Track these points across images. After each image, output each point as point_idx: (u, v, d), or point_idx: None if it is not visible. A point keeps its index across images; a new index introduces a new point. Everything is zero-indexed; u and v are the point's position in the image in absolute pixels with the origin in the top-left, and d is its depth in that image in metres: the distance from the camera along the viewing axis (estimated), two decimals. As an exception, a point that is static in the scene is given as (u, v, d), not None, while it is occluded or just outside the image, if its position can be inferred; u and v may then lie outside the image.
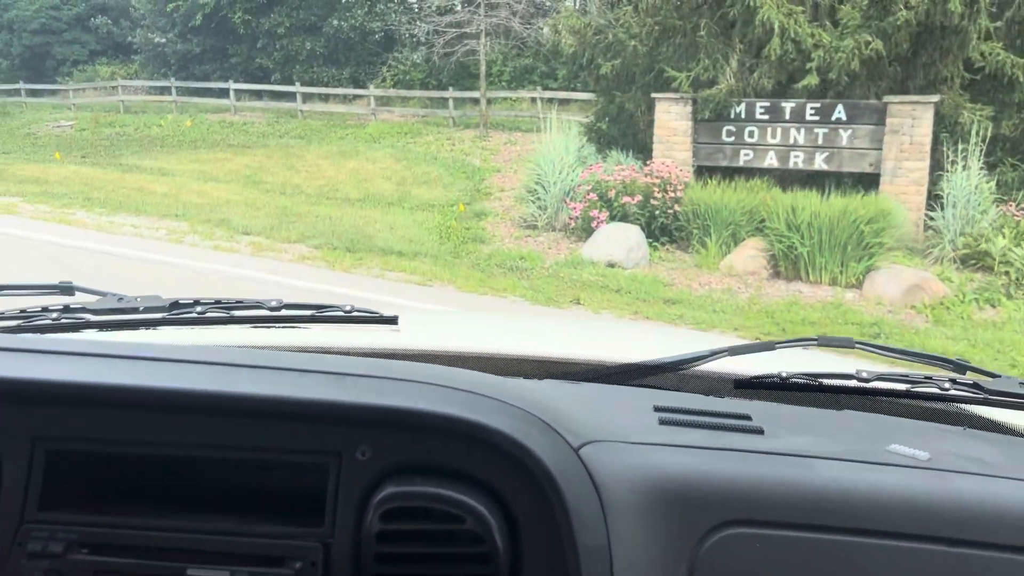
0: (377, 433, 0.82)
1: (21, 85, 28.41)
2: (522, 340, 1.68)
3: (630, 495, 0.81)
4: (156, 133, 20.49)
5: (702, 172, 10.46)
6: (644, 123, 11.50)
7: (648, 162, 10.50)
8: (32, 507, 0.83)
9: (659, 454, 0.86)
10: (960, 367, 1.24)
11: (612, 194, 9.87)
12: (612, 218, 9.71)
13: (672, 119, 10.75)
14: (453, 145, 17.45)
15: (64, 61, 34.45)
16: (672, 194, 9.69)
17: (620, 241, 9.04)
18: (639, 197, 9.70)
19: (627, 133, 12.10)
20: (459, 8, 17.94)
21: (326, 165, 15.71)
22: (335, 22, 24.31)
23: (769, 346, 1.26)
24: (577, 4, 20.20)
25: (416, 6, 22.77)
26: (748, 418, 0.97)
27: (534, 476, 0.79)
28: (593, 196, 9.93)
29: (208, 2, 25.24)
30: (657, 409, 0.99)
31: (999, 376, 1.18)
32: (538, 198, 10.74)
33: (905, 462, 0.88)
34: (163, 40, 27.88)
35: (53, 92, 28.61)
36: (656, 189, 9.73)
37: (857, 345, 1.27)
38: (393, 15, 24.54)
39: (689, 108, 10.62)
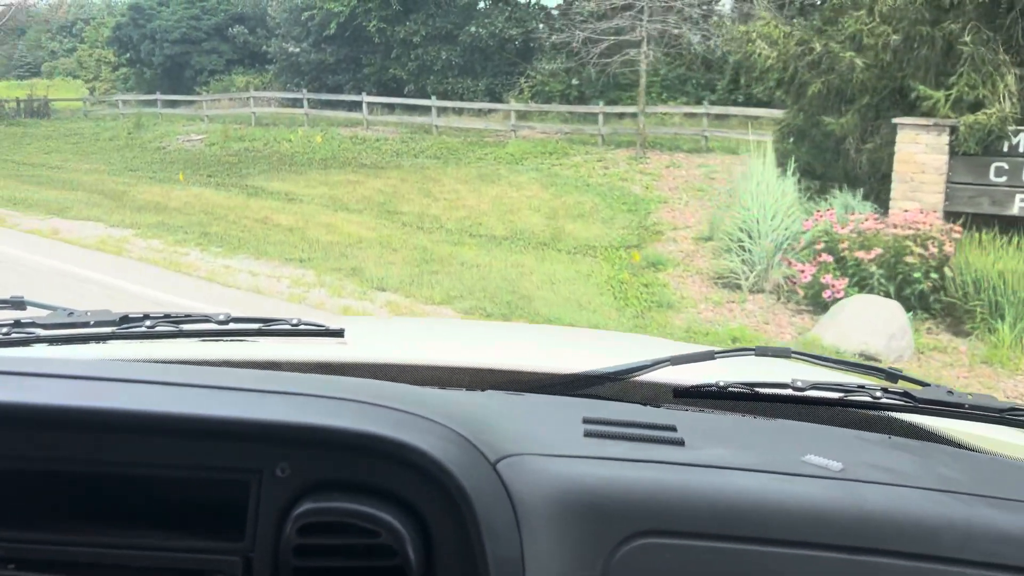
0: (296, 450, 0.83)
1: (158, 96, 28.12)
2: (473, 349, 1.70)
3: (545, 507, 0.83)
4: (286, 149, 19.36)
5: (956, 220, 7.93)
6: (859, 153, 9.10)
7: (873, 205, 8.12)
8: None
9: (577, 466, 0.87)
10: (892, 376, 1.27)
11: (844, 248, 7.51)
12: (852, 285, 7.33)
13: (920, 152, 8.24)
14: (606, 168, 15.33)
15: (201, 71, 34.39)
16: (935, 251, 7.24)
17: (876, 323, 6.62)
18: (877, 251, 7.31)
19: (832, 164, 9.70)
20: (618, 13, 15.65)
21: (466, 191, 13.92)
22: (472, 29, 22.70)
23: (709, 355, 1.29)
24: (741, 9, 17.67)
25: (565, 12, 20.73)
26: (673, 429, 0.98)
27: (448, 491, 0.80)
28: (828, 258, 7.56)
29: (343, 10, 24.12)
30: (585, 421, 0.99)
31: (928, 385, 1.22)
32: (744, 249, 8.41)
33: (817, 472, 0.90)
34: (296, 50, 27.04)
35: (188, 103, 28.25)
36: (912, 244, 7.29)
37: (794, 355, 1.30)
38: (533, 21, 22.73)
39: (945, 138, 8.10)
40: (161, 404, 0.83)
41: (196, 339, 1.36)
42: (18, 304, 1.43)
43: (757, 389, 1.18)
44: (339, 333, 1.38)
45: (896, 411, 1.19)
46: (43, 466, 0.84)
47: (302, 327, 1.37)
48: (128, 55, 36.78)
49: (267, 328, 1.37)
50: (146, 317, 1.36)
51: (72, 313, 1.38)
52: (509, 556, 0.80)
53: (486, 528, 0.80)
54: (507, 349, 1.78)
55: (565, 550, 0.82)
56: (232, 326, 1.36)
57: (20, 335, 1.30)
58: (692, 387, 1.19)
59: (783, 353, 1.31)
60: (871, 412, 1.20)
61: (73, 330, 1.32)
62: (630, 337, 3.61)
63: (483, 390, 1.19)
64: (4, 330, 1.30)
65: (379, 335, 1.87)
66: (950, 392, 1.18)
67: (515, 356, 1.59)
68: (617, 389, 1.25)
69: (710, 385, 1.18)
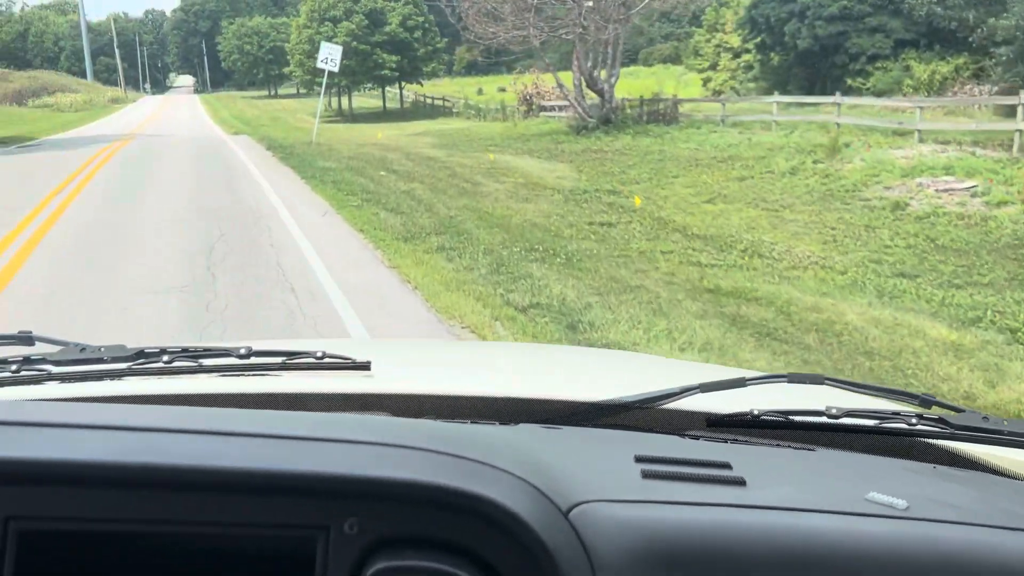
0: (365, 504, 0.79)
1: (774, 99, 20.04)
2: (494, 376, 1.70)
3: (620, 557, 0.81)
4: None
5: None
6: None
7: None
8: None
9: (646, 512, 0.86)
10: (926, 402, 1.24)
11: None
12: None
13: None
14: None
15: (856, 56, 25.60)
16: None
17: None
18: None
19: None
20: None
21: None
22: None
23: (740, 382, 1.25)
24: None
25: None
26: (728, 467, 0.96)
27: (525, 544, 0.78)
28: None
29: None
30: (638, 460, 0.96)
31: (963, 410, 1.20)
32: None
33: (885, 512, 0.89)
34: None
35: (815, 105, 19.86)
36: None
37: (826, 381, 1.27)
38: None
39: None
40: (217, 458, 0.79)
41: (216, 374, 1.29)
42: (26, 339, 1.37)
43: (791, 417, 1.17)
44: (365, 366, 1.33)
45: (933, 438, 1.17)
46: (100, 527, 0.80)
47: (327, 360, 1.32)
48: (760, 38, 29.93)
49: (291, 362, 1.32)
50: (163, 352, 1.30)
51: (84, 348, 1.32)
52: None
53: None
54: (532, 375, 1.77)
55: None
56: (254, 360, 1.31)
57: (31, 372, 1.26)
58: (727, 416, 1.19)
59: (816, 379, 1.27)
60: (907, 439, 1.19)
61: (86, 366, 1.27)
62: (647, 359, 3.11)
63: (515, 422, 1.16)
64: (13, 367, 1.26)
65: (404, 363, 1.82)
66: (985, 418, 1.16)
67: (541, 383, 1.57)
68: (648, 418, 1.23)
69: (744, 413, 1.17)
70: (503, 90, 55.43)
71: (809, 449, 1.13)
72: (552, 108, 29.82)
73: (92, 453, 0.78)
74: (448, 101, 41.79)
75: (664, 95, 24.18)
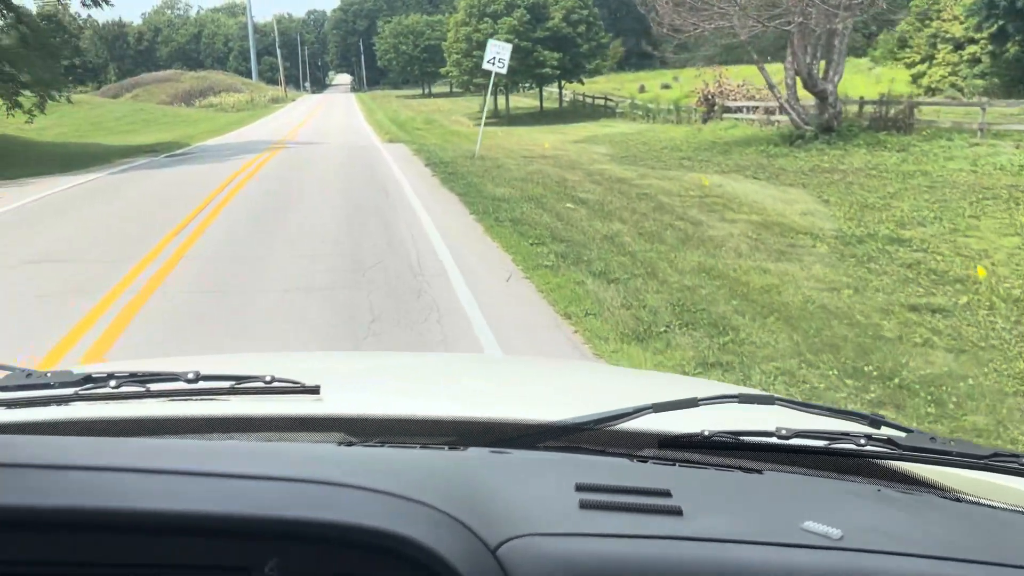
0: (284, 545, 0.78)
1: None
2: (449, 396, 1.69)
3: None
4: None
5: None
6: None
7: None
8: None
9: (578, 545, 0.85)
10: (875, 422, 1.25)
11: None
12: None
13: None
14: None
15: None
16: None
17: None
18: None
19: None
20: None
21: None
22: None
23: (692, 403, 1.25)
24: None
25: None
26: (668, 494, 0.96)
27: None
28: None
29: None
30: (579, 488, 0.95)
31: (912, 431, 1.21)
32: None
33: (818, 542, 0.89)
34: None
35: None
36: None
37: (777, 402, 1.29)
38: None
39: None
40: (139, 499, 0.78)
41: (164, 399, 1.28)
42: None
43: (742, 438, 1.17)
44: (314, 390, 1.31)
45: (881, 459, 1.19)
46: (24, 571, 0.78)
47: (275, 384, 1.30)
48: (997, 25, 24.89)
49: (239, 387, 1.30)
50: (111, 377, 1.28)
51: (31, 374, 1.32)
52: None
53: None
54: (490, 394, 1.77)
55: None
56: (202, 384, 1.29)
57: None
58: (678, 436, 1.19)
59: (767, 400, 1.30)
60: (857, 459, 1.20)
61: (32, 392, 1.26)
62: (612, 372, 3.17)
63: (464, 447, 1.15)
64: None
65: (356, 383, 1.81)
66: (932, 439, 1.17)
67: (498, 403, 1.56)
68: (601, 438, 1.22)
69: (695, 434, 1.17)
70: (667, 87, 51.49)
71: (757, 472, 1.14)
72: (739, 109, 25.99)
73: (19, 497, 0.76)
74: (610, 100, 38.48)
75: (894, 96, 19.86)
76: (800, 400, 1.34)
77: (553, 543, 0.83)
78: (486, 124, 38.06)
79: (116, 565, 0.77)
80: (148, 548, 0.77)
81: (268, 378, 1.30)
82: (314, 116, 42.70)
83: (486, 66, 17.73)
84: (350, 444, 1.13)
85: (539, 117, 37.99)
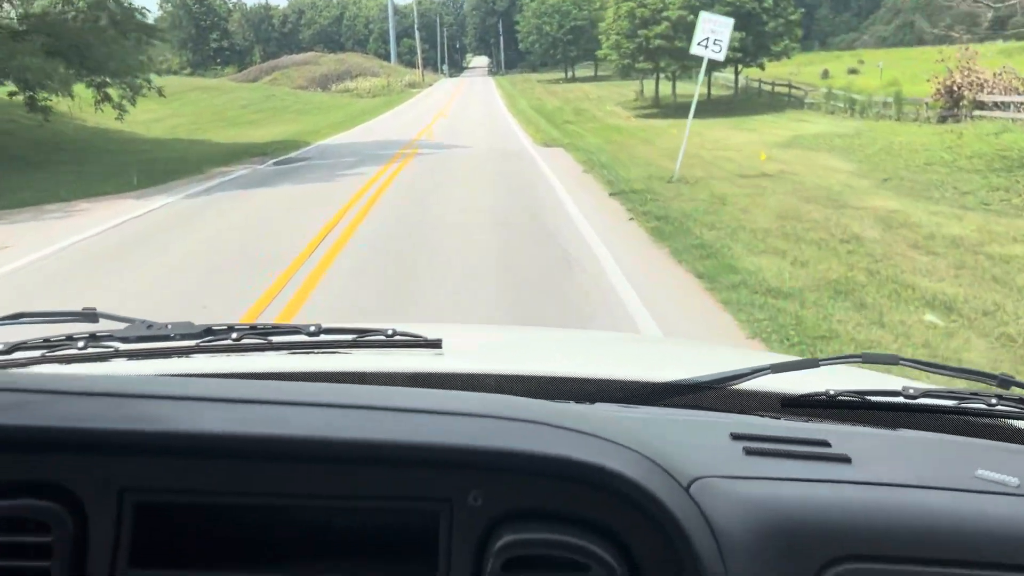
0: (489, 477, 0.78)
1: None
2: (565, 358, 1.62)
3: (743, 533, 0.78)
4: None
5: None
6: None
7: None
8: (122, 564, 0.77)
9: (760, 488, 0.83)
10: (1005, 382, 1.19)
11: None
12: None
13: None
14: None
15: None
16: None
17: None
18: None
19: None
20: None
21: None
22: None
23: (813, 363, 1.21)
24: None
25: None
26: (827, 444, 0.92)
27: (655, 519, 0.76)
28: None
29: None
30: (735, 437, 0.93)
31: None
32: None
33: (996, 488, 0.85)
34: None
35: None
36: None
37: (902, 362, 1.23)
38: None
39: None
40: (339, 430, 0.76)
41: (285, 352, 1.26)
42: (90, 316, 1.34)
43: (868, 397, 1.14)
44: (436, 344, 1.30)
45: (1015, 419, 1.13)
46: (218, 500, 0.78)
47: (397, 338, 1.29)
48: None
49: (361, 340, 1.29)
50: (231, 329, 1.27)
51: (151, 325, 1.29)
52: None
53: (698, 556, 0.75)
54: (603, 358, 1.69)
55: None
56: (323, 338, 1.28)
57: (98, 349, 1.23)
58: (802, 396, 1.15)
59: (890, 360, 1.22)
60: (987, 420, 1.15)
61: (154, 343, 1.24)
62: (716, 348, 2.94)
63: (591, 402, 1.15)
64: (80, 344, 1.23)
65: (474, 344, 1.78)
66: None
67: (613, 365, 1.45)
68: (721, 398, 1.19)
69: (819, 394, 1.14)
70: (854, 72, 44.27)
71: (890, 429, 1.10)
72: (1003, 106, 19.51)
73: (211, 424, 0.76)
74: (795, 88, 32.10)
75: None
76: (925, 360, 1.25)
77: (736, 485, 0.82)
78: (645, 115, 32.59)
79: (311, 496, 0.77)
80: (344, 479, 0.77)
81: (390, 331, 1.29)
82: (451, 105, 38.31)
83: (695, 50, 12.43)
84: None
85: (708, 107, 32.16)
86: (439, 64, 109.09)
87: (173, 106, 30.17)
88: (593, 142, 19.89)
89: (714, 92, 35.33)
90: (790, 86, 32.30)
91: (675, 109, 32.34)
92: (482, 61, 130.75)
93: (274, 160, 17.88)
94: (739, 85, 36.40)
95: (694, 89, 37.63)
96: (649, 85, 36.67)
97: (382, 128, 26.18)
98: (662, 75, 31.35)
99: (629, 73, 30.50)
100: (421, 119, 29.67)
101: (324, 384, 0.95)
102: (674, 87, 34.46)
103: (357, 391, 0.87)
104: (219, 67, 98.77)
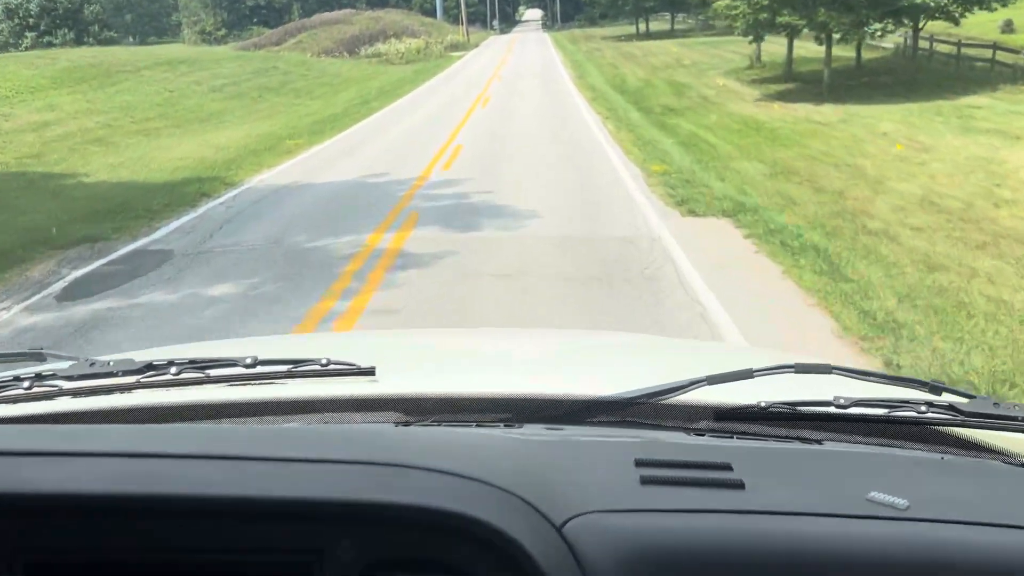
0: (358, 527, 0.79)
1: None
2: (503, 372, 1.65)
3: (614, 569, 0.78)
4: None
5: None
6: None
7: None
8: None
9: (643, 520, 0.83)
10: (936, 388, 1.21)
11: None
12: None
13: None
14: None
15: None
16: None
17: None
18: None
19: None
20: None
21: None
22: None
23: (747, 374, 1.22)
24: None
25: None
26: (729, 468, 0.92)
27: (518, 562, 0.76)
28: None
29: None
30: (639, 464, 0.93)
31: (974, 397, 1.17)
32: None
33: (885, 512, 0.85)
34: None
35: None
36: None
37: (835, 371, 1.24)
38: None
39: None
40: (211, 485, 0.78)
41: (224, 384, 1.28)
42: (37, 356, 1.38)
43: (799, 408, 1.14)
44: (370, 371, 1.29)
45: (943, 426, 1.14)
46: (97, 556, 0.79)
47: (332, 367, 1.30)
48: None
49: (296, 370, 1.30)
50: (171, 364, 1.28)
51: (94, 363, 1.31)
52: None
53: None
54: (543, 368, 1.71)
55: None
56: (260, 369, 1.30)
57: (43, 388, 1.25)
58: (734, 408, 1.16)
59: (823, 369, 1.24)
60: (917, 427, 1.16)
61: (96, 380, 1.26)
62: (648, 341, 2.81)
63: (520, 422, 1.16)
64: (26, 384, 1.25)
65: (410, 362, 1.75)
66: (996, 404, 1.13)
67: (551, 378, 1.52)
68: (656, 411, 1.20)
69: (751, 406, 1.14)
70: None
71: (817, 443, 1.12)
72: None
73: (93, 484, 0.77)
74: (1010, 51, 21.33)
75: None
76: (857, 368, 1.29)
77: (617, 519, 0.81)
78: (778, 94, 21.85)
79: (187, 550, 0.78)
80: (217, 533, 0.78)
81: (324, 361, 1.29)
82: (495, 81, 27.99)
83: None
84: (407, 424, 1.16)
85: (868, 83, 21.67)
86: (488, 19, 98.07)
87: (101, 95, 20.91)
88: (743, 169, 9.95)
89: (862, 54, 24.68)
90: (995, 48, 21.55)
91: (811, 81, 21.97)
92: (535, 14, 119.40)
93: (114, 258, 8.27)
94: (901, 46, 25.67)
95: (818, 50, 27.01)
96: (770, 47, 26.17)
97: (382, 137, 16.25)
98: (806, 34, 20.80)
99: (760, 31, 20.12)
100: (449, 112, 19.68)
101: (204, 428, 1.01)
102: (790, 50, 23.80)
103: (230, 435, 0.90)
104: (257, 26, 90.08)
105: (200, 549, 0.78)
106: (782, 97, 20.39)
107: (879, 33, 20.15)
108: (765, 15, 18.62)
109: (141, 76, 24.28)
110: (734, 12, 19.54)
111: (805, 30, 19.86)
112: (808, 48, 26.63)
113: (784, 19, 18.82)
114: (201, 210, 9.76)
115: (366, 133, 16.91)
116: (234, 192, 10.84)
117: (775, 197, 9.15)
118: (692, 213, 8.41)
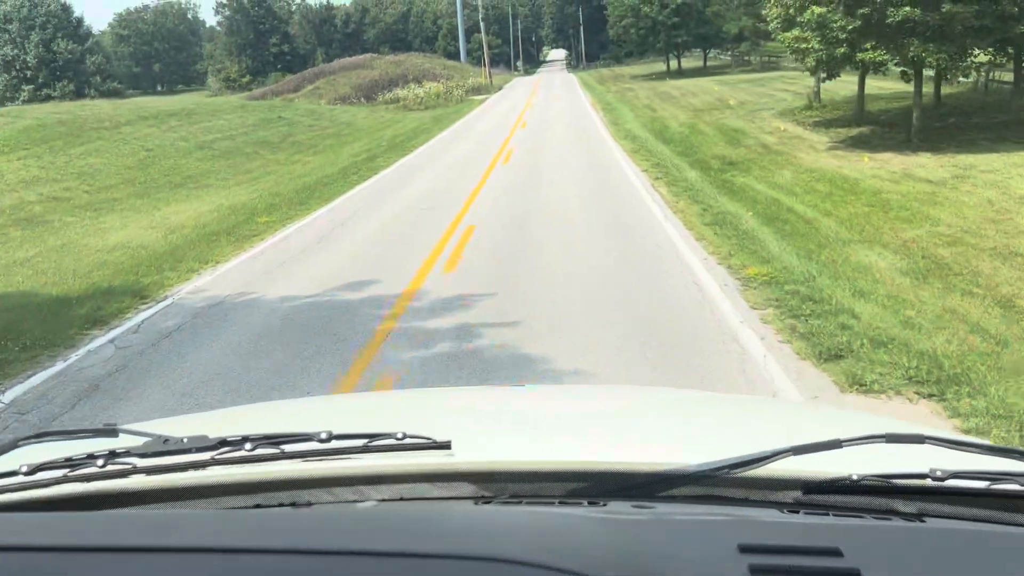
0: None
1: None
2: (573, 438, 1.56)
3: None
4: None
5: None
6: None
7: None
8: None
9: None
10: None
11: None
12: None
13: None
14: None
15: None
16: None
17: None
18: None
19: None
20: None
21: None
22: None
23: (835, 444, 1.14)
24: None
25: None
26: (839, 553, 0.88)
27: None
28: None
29: None
30: (743, 550, 0.87)
31: None
32: None
33: None
34: None
35: None
36: None
37: (928, 440, 1.17)
38: None
39: None
40: None
41: (299, 460, 1.26)
42: (110, 432, 1.33)
43: (893, 481, 1.09)
44: (446, 446, 1.26)
45: None
46: None
47: (407, 441, 1.26)
48: None
49: (371, 445, 1.26)
50: (246, 440, 1.26)
51: (168, 440, 1.28)
52: None
53: None
54: (609, 429, 1.63)
55: None
56: (335, 444, 1.27)
57: (116, 467, 1.23)
58: (824, 481, 1.11)
59: (916, 439, 1.17)
60: (1021, 501, 1.09)
61: (171, 458, 1.24)
62: (720, 400, 2.63)
63: (603, 498, 1.12)
64: (100, 462, 1.23)
65: (487, 434, 1.65)
66: None
67: (621, 442, 1.46)
68: (741, 483, 1.15)
69: (843, 479, 1.09)
70: None
71: (917, 518, 1.07)
72: None
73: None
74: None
75: None
76: (953, 437, 1.21)
77: None
78: (856, 142, 17.92)
79: None
80: None
81: (400, 435, 1.27)
82: (516, 135, 24.63)
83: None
84: (487, 500, 1.14)
85: (944, 119, 18.11)
86: (512, 60, 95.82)
87: (61, 159, 17.95)
88: (934, 308, 6.39)
89: (925, 90, 21.16)
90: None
91: (885, 123, 18.47)
92: (559, 54, 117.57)
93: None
94: (979, 81, 22.10)
95: (884, 87, 23.34)
96: (825, 84, 22.74)
97: (376, 213, 12.87)
98: (890, 69, 17.27)
99: (835, 68, 16.65)
100: (464, 173, 16.42)
101: (263, 525, 0.96)
102: (862, 86, 20.26)
103: (300, 533, 0.88)
104: (279, 72, 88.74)
105: None
106: (859, 144, 16.90)
107: (984, 68, 16.61)
108: (843, 50, 15.15)
109: (119, 133, 21.39)
110: (803, 47, 16.11)
111: (891, 66, 16.35)
112: (869, 84, 23.14)
113: (868, 55, 15.36)
114: (55, 368, 6.37)
115: (359, 203, 13.65)
116: (139, 319, 7.47)
117: (959, 330, 5.65)
118: (859, 386, 4.87)
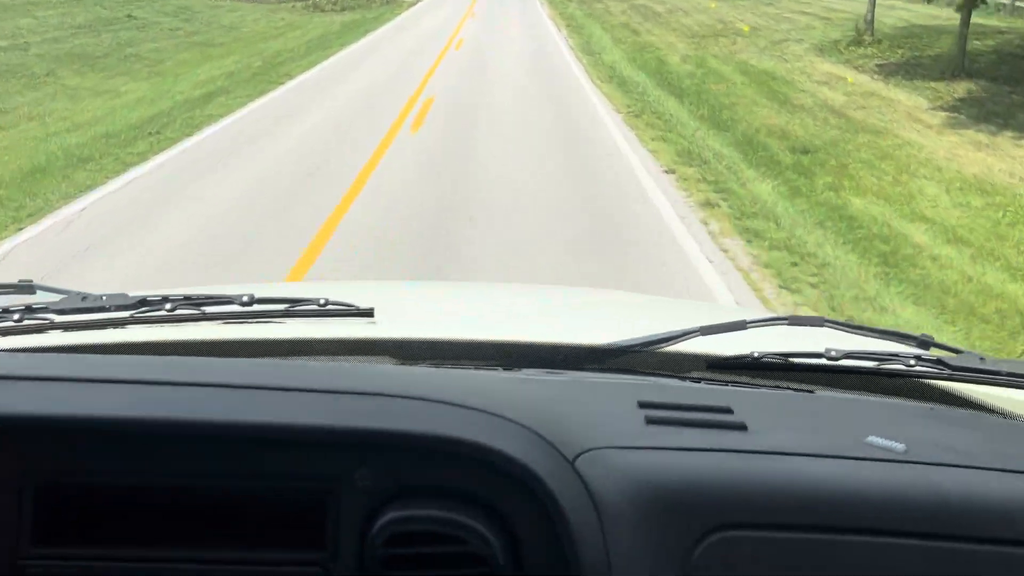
0: (375, 456, 0.79)
1: None
2: (498, 321, 1.62)
3: (625, 504, 0.79)
4: None
5: None
6: None
7: None
8: (25, 543, 0.78)
9: (650, 458, 0.84)
10: (924, 343, 1.22)
11: None
12: None
13: None
14: None
15: None
16: None
17: None
18: None
19: None
20: None
21: None
22: None
23: (740, 325, 1.23)
24: None
25: None
26: (730, 411, 0.93)
27: (535, 494, 0.77)
28: None
29: None
30: (641, 405, 0.93)
31: (962, 351, 1.18)
32: None
33: (883, 455, 0.86)
34: None
35: None
36: None
37: (827, 324, 1.26)
38: None
39: None
40: (230, 412, 0.78)
41: (219, 321, 1.25)
42: (27, 288, 1.32)
43: (791, 359, 1.15)
44: (368, 313, 1.29)
45: (931, 379, 1.16)
46: (114, 480, 0.78)
47: (330, 307, 1.28)
48: None
49: (293, 309, 1.28)
50: (165, 300, 1.25)
51: (86, 297, 1.27)
52: (596, 559, 0.76)
53: (574, 531, 0.76)
54: (537, 319, 1.70)
55: (648, 548, 0.78)
56: (257, 307, 1.27)
57: (33, 321, 1.21)
58: (728, 358, 1.17)
59: (816, 322, 1.26)
60: (905, 380, 1.17)
61: (89, 315, 1.22)
62: (646, 300, 2.82)
63: (518, 368, 1.15)
64: (16, 316, 1.21)
65: (408, 309, 1.74)
66: (982, 359, 1.14)
67: (546, 328, 1.52)
68: (650, 360, 1.21)
69: (744, 356, 1.15)
70: None
71: (808, 391, 1.13)
72: None
73: (107, 408, 0.77)
74: None
75: None
76: (850, 322, 1.27)
77: (626, 456, 0.82)
78: (954, 108, 10.71)
79: (202, 476, 0.77)
80: (233, 460, 0.77)
81: (322, 301, 1.27)
82: (454, 50, 17.35)
83: None
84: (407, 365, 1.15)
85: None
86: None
87: None
88: None
89: (988, 23, 14.72)
90: None
91: (994, 75, 12.09)
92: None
93: None
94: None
95: (930, 18, 16.99)
96: (856, 6, 16.09)
97: (140, 241, 6.08)
98: None
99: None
100: (363, 122, 9.34)
101: (211, 360, 0.95)
102: (966, 21, 13.70)
103: (245, 368, 0.88)
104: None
105: (216, 475, 0.77)
106: (986, 114, 10.48)
107: None
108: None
109: None
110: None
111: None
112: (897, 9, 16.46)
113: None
114: None
115: (105, 221, 6.61)
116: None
117: None
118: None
